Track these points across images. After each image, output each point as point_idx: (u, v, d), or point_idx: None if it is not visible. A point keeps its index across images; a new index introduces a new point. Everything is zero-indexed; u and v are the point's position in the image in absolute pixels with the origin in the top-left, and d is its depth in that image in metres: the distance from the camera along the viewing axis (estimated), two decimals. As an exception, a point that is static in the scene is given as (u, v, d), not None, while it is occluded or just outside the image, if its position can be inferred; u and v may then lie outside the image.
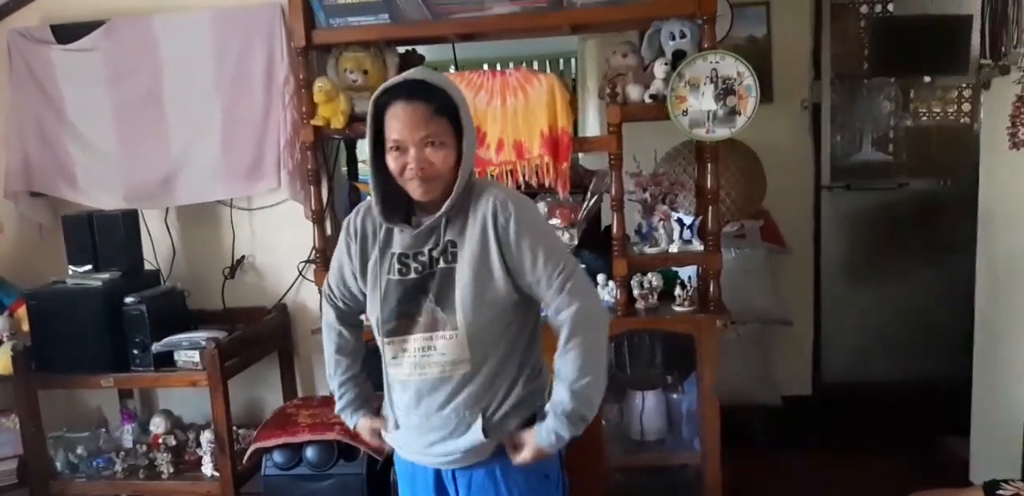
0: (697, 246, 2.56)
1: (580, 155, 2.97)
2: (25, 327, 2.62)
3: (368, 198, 1.61)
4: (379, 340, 1.58)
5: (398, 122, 1.44)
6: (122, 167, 2.85)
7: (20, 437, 2.59)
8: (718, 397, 2.43)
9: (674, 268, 2.67)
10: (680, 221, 2.58)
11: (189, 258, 2.97)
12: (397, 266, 1.55)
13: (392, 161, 1.47)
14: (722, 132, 2.46)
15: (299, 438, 2.24)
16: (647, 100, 2.51)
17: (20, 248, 2.95)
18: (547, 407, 1.53)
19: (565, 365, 1.52)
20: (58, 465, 2.68)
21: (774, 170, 3.57)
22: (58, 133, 2.89)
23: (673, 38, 2.47)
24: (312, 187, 2.71)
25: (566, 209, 2.78)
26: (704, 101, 2.44)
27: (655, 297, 2.56)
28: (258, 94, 2.83)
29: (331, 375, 1.77)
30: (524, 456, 1.54)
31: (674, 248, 2.57)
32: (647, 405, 2.60)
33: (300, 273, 2.95)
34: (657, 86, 2.49)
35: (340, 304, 1.74)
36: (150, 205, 2.87)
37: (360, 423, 1.74)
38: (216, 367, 2.41)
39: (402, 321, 1.53)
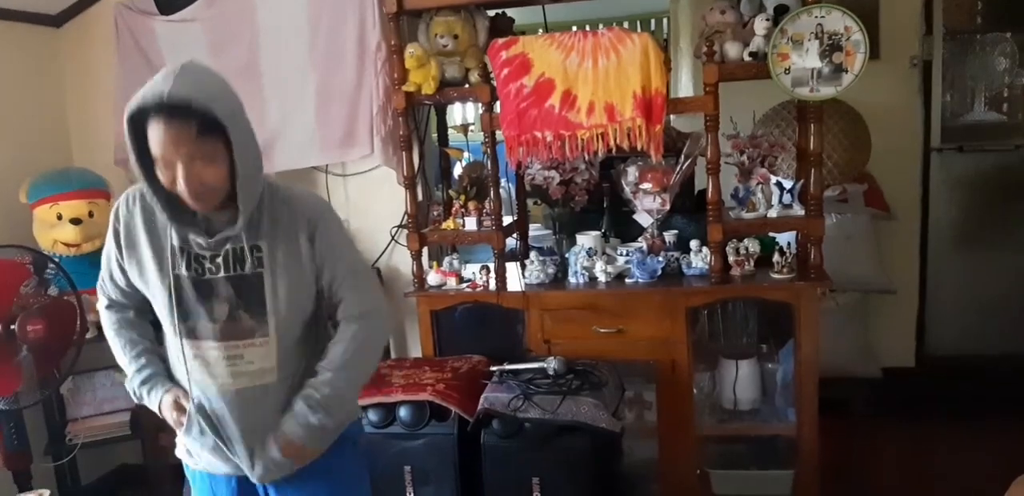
0: (798, 211, 2.47)
1: (672, 117, 2.88)
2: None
3: (137, 187, 1.47)
4: (175, 341, 1.48)
5: (158, 139, 1.32)
6: (223, 135, 2.93)
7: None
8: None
9: (772, 234, 2.59)
10: (780, 185, 2.49)
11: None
12: (184, 263, 1.45)
13: (160, 175, 1.36)
14: (827, 91, 2.34)
15: (393, 398, 2.29)
16: (746, 58, 2.42)
17: (131, 213, 3.09)
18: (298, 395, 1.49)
19: (334, 352, 1.51)
20: (167, 419, 2.82)
21: (879, 131, 3.41)
22: (163, 102, 3.00)
23: (775, -8, 2.36)
24: (404, 153, 2.73)
25: (658, 173, 2.71)
26: (808, 58, 2.33)
27: (752, 264, 2.49)
28: (351, 61, 2.85)
29: (123, 348, 1.58)
30: (272, 447, 1.48)
31: (773, 213, 2.48)
32: (740, 374, 2.54)
33: (393, 238, 2.99)
34: (757, 43, 2.39)
35: (113, 296, 1.59)
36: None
37: (166, 398, 1.53)
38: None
39: (201, 324, 1.45)
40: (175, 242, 1.45)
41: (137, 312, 1.60)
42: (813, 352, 2.39)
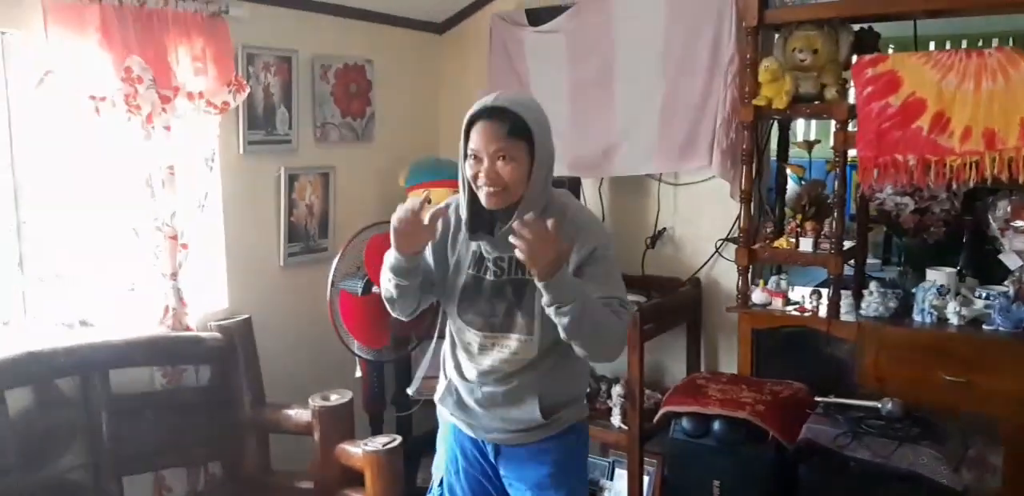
0: None
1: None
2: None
3: (455, 197, 1.72)
4: (456, 327, 1.74)
5: (477, 135, 1.58)
6: (570, 139, 3.08)
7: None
8: None
9: None
10: None
11: (616, 225, 3.16)
12: (478, 265, 1.68)
13: (468, 168, 1.60)
14: None
15: (709, 410, 2.30)
16: None
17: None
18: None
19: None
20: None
21: None
22: (521, 105, 3.27)
23: None
24: (744, 166, 2.72)
25: (1037, 211, 2.41)
26: None
27: None
28: (701, 73, 2.88)
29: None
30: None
31: None
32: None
33: (717, 250, 2.99)
34: None
35: None
36: (590, 174, 3.12)
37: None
38: (636, 328, 2.56)
39: (483, 318, 1.68)
40: (474, 247, 1.69)
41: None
42: None
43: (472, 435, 1.81)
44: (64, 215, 2.32)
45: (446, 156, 3.40)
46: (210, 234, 2.62)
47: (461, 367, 1.76)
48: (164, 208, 2.41)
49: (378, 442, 2.30)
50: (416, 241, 1.62)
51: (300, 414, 2.47)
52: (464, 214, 1.67)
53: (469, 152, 1.59)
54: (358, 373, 2.75)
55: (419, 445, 2.90)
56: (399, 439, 2.30)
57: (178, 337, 2.46)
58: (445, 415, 1.85)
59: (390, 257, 1.66)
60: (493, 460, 1.80)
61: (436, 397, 1.86)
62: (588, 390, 1.81)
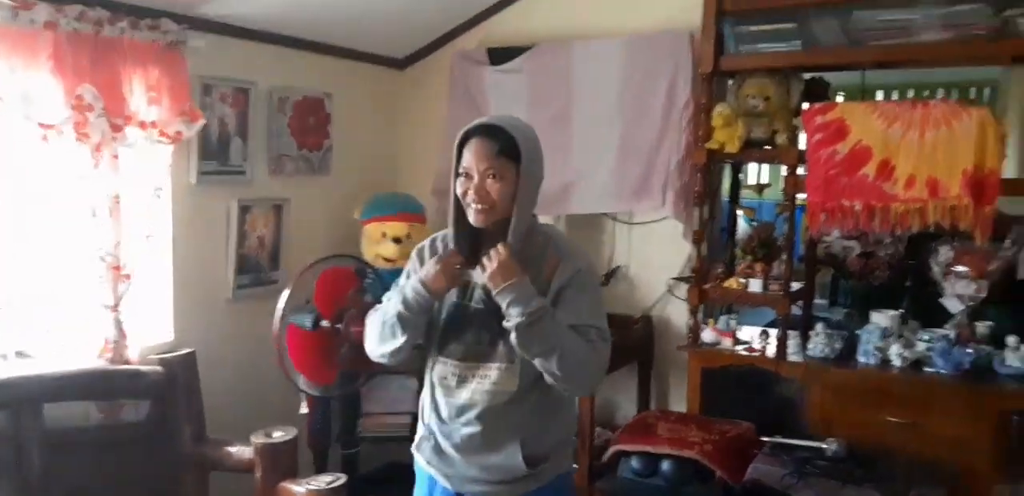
0: None
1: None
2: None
3: (435, 235, 1.76)
4: (434, 361, 1.69)
5: (469, 153, 1.60)
6: (528, 175, 3.13)
7: (416, 396, 2.97)
8: None
9: (1117, 342, 2.25)
10: None
11: (570, 262, 3.19)
12: (463, 292, 1.66)
13: (459, 185, 1.61)
14: None
15: (658, 449, 2.30)
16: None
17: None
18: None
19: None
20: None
21: None
22: (480, 142, 3.30)
23: None
24: (696, 208, 2.76)
25: (976, 257, 2.50)
26: None
27: (1089, 372, 2.18)
28: (656, 117, 2.95)
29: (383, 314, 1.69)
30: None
31: (1123, 318, 2.16)
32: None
33: (669, 289, 3.01)
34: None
35: None
36: (546, 212, 3.13)
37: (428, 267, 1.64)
38: (588, 368, 2.55)
39: (465, 346, 1.65)
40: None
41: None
42: None
43: (449, 487, 1.72)
44: (3, 243, 2.25)
45: (403, 191, 3.40)
46: (157, 265, 2.56)
47: (438, 407, 1.69)
48: (108, 238, 2.35)
49: (322, 481, 2.23)
50: (455, 283, 1.64)
51: (242, 451, 2.39)
52: (450, 233, 1.66)
53: (461, 170, 1.61)
54: (304, 409, 2.69)
55: (364, 484, 2.83)
56: (344, 478, 2.24)
57: (116, 371, 2.37)
58: (422, 463, 1.77)
59: (419, 297, 1.61)
60: None
61: (413, 445, 1.79)
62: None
